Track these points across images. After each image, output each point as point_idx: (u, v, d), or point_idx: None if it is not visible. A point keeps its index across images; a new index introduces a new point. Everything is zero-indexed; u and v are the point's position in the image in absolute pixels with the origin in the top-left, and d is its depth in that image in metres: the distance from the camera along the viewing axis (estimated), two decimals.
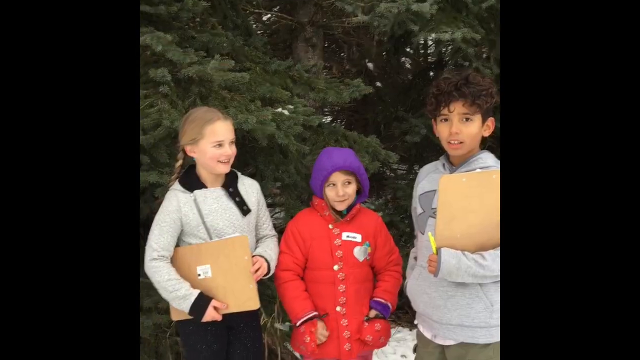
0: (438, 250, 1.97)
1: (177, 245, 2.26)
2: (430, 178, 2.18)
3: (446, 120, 2.04)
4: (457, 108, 2.00)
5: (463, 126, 2.00)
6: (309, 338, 2.30)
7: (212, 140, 2.19)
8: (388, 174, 5.01)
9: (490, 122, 2.05)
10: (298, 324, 2.33)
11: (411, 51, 4.84)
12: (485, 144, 3.67)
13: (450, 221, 1.96)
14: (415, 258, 2.30)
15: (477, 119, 2.00)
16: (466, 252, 1.97)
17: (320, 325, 2.33)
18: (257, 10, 4.18)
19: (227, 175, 2.31)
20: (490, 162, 2.06)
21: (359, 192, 2.44)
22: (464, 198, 1.93)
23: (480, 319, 2.05)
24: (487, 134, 2.07)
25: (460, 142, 2.01)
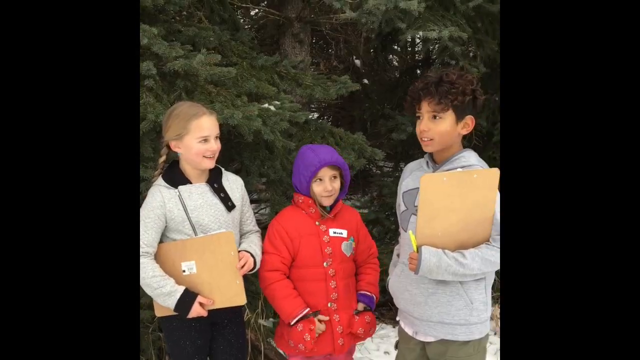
0: (419, 248, 1.99)
1: (161, 241, 2.23)
2: (414, 176, 2.20)
3: (419, 118, 2.07)
4: (425, 106, 2.03)
5: (432, 124, 2.02)
6: (309, 336, 2.30)
7: (198, 136, 2.16)
8: (374, 171, 5.03)
9: (470, 120, 2.05)
10: (293, 322, 2.32)
11: (398, 49, 4.86)
12: (471, 142, 3.72)
13: (432, 219, 1.97)
14: (398, 255, 2.31)
15: (448, 117, 2.01)
16: (446, 251, 1.99)
17: (317, 320, 2.33)
18: (244, 5, 4.15)
19: (211, 170, 2.29)
20: (472, 161, 2.08)
21: (340, 187, 2.44)
22: (445, 197, 1.94)
23: (460, 316, 2.07)
24: (464, 132, 2.07)
25: (430, 139, 2.04)
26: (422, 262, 1.97)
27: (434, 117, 2.02)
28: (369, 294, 2.44)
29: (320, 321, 2.34)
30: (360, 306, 2.43)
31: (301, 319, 2.31)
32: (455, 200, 1.94)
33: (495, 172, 1.92)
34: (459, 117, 2.02)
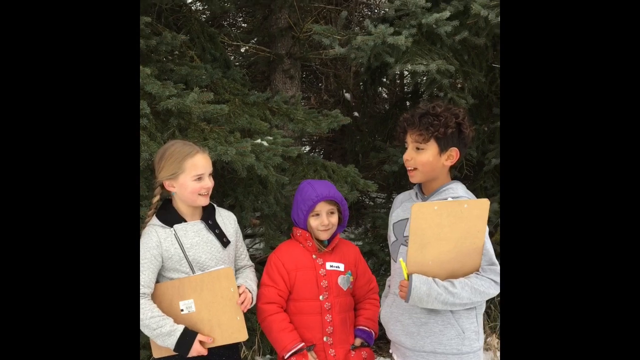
0: (409, 276, 2.00)
1: (157, 281, 2.22)
2: (404, 207, 2.23)
3: (406, 148, 2.13)
4: (409, 137, 2.10)
5: (415, 154, 2.08)
6: None
7: (193, 174, 2.17)
8: (367, 202, 5.05)
9: (454, 152, 2.09)
10: (287, 356, 2.31)
11: (387, 82, 4.93)
12: (462, 172, 3.77)
13: (422, 248, 1.98)
14: (389, 286, 2.32)
15: (430, 147, 2.06)
16: (437, 279, 2.01)
17: (310, 355, 2.32)
18: (235, 43, 4.22)
19: (204, 207, 2.29)
20: (460, 193, 2.12)
21: (338, 222, 2.46)
22: (436, 226, 1.96)
23: (452, 345, 2.07)
24: (449, 163, 2.11)
25: (414, 169, 2.09)
26: (412, 289, 1.98)
27: (417, 148, 2.07)
28: (367, 329, 2.43)
29: (314, 358, 2.32)
30: (358, 341, 2.41)
31: (295, 353, 2.30)
32: (445, 229, 1.96)
33: (485, 203, 1.95)
34: (442, 148, 2.06)
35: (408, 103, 5.04)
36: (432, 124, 2.03)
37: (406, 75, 5.52)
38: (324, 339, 2.35)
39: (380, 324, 2.48)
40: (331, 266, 2.40)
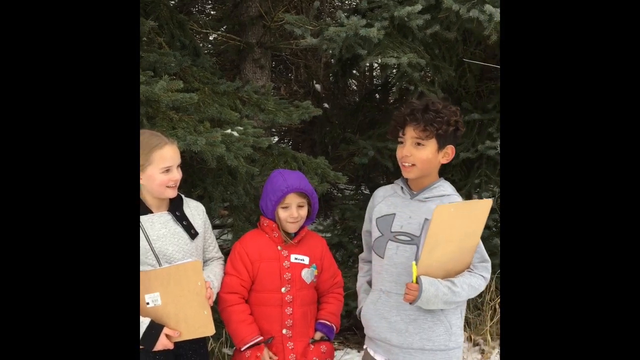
0: (418, 278, 1.98)
1: None
2: (388, 202, 2.20)
3: (402, 143, 2.09)
4: (409, 132, 2.05)
5: (415, 150, 2.05)
6: None
7: (161, 166, 2.13)
8: (336, 194, 5.06)
9: (450, 150, 2.09)
10: (243, 348, 2.30)
11: (357, 74, 4.94)
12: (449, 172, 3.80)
13: (432, 250, 1.97)
14: (369, 282, 2.30)
15: (430, 144, 2.04)
16: (439, 279, 2.01)
17: (266, 350, 2.31)
18: (204, 31, 4.15)
19: (171, 199, 2.25)
20: (449, 191, 2.13)
21: (307, 215, 2.44)
22: (448, 228, 1.95)
23: (440, 342, 2.08)
24: (444, 161, 2.11)
25: (412, 165, 2.06)
26: (422, 292, 1.96)
27: (417, 143, 2.04)
28: (328, 323, 2.43)
29: (269, 354, 2.31)
30: (317, 335, 2.40)
31: (252, 346, 2.29)
32: (453, 230, 1.96)
33: (489, 203, 1.96)
34: (441, 145, 2.06)
35: (377, 95, 5.06)
36: (435, 120, 2.01)
37: (375, 68, 5.54)
38: (283, 331, 2.34)
39: (346, 316, 2.48)
40: (296, 259, 2.39)
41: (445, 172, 3.71)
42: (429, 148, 2.05)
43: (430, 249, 1.96)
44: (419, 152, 2.05)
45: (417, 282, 1.98)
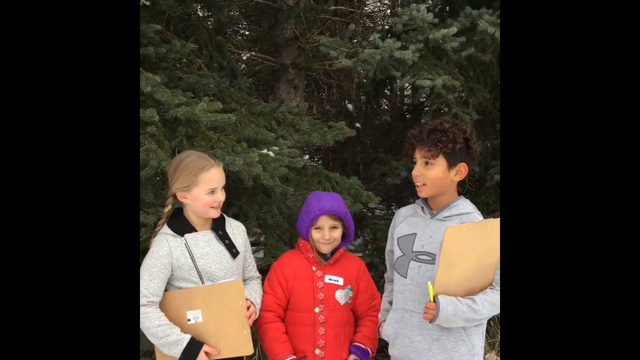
0: (435, 297, 2.00)
1: (165, 289, 2.22)
2: (409, 221, 2.23)
3: (414, 163, 2.15)
4: (419, 153, 2.12)
5: (424, 169, 2.10)
6: None
7: (207, 188, 2.18)
8: (366, 213, 5.05)
9: (463, 168, 2.12)
10: None
11: (390, 94, 4.95)
12: (464, 188, 3.79)
13: (449, 269, 2.00)
14: (390, 302, 2.31)
15: (439, 163, 2.08)
16: (459, 298, 2.02)
17: None
18: (240, 52, 4.24)
19: (214, 218, 2.30)
20: (469, 209, 2.16)
21: (343, 236, 2.46)
22: (463, 247, 1.98)
23: None
24: (458, 178, 2.14)
25: (423, 184, 2.11)
26: (440, 311, 1.98)
27: (426, 163, 2.09)
28: (362, 346, 2.43)
29: None
30: (351, 358, 2.40)
31: None
32: (469, 249, 1.99)
33: (497, 221, 1.96)
34: (451, 164, 2.09)
35: (408, 115, 5.07)
36: (440, 140, 2.05)
37: (407, 87, 5.55)
38: (316, 351, 2.36)
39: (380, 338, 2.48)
40: (330, 279, 2.41)
41: (479, 194, 3.69)
42: (438, 167, 2.09)
43: (447, 268, 1.98)
44: (429, 172, 2.09)
45: (434, 301, 1.99)
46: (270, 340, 2.35)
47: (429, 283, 2.02)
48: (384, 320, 2.28)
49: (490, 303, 2.04)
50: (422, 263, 2.12)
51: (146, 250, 2.25)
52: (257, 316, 2.31)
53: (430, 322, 2.03)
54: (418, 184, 2.13)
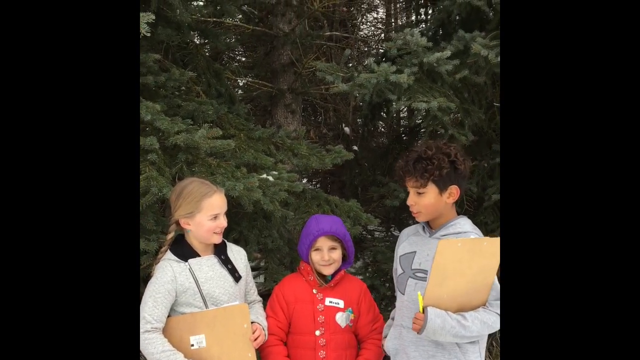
0: (425, 309, 2.03)
1: (168, 315, 2.22)
2: (410, 240, 2.28)
3: (408, 191, 2.20)
4: (409, 183, 2.17)
5: (417, 198, 2.15)
6: None
7: (210, 214, 2.20)
8: (366, 236, 5.06)
9: (454, 190, 2.15)
10: None
11: (387, 117, 5.00)
12: (462, 208, 3.81)
13: (441, 283, 2.02)
14: (393, 318, 2.33)
15: (430, 190, 2.12)
16: (449, 312, 2.04)
17: None
18: (237, 78, 4.30)
19: (216, 243, 2.32)
20: (467, 228, 2.18)
21: (344, 258, 2.47)
22: (457, 262, 2.00)
23: None
24: (451, 200, 2.17)
25: (418, 212, 2.17)
26: (427, 322, 2.00)
27: (418, 192, 2.14)
28: None
29: None
30: None
31: None
32: (464, 265, 2.01)
33: (497, 241, 1.98)
34: (442, 188, 2.13)
35: (405, 137, 5.12)
36: (426, 170, 2.09)
37: (403, 110, 5.61)
38: None
39: (386, 356, 2.47)
40: (330, 302, 2.41)
41: (477, 214, 3.71)
42: (430, 194, 2.13)
43: (439, 281, 2.01)
44: (421, 200, 2.14)
45: (423, 312, 2.02)
46: None
47: (419, 293, 2.05)
48: (386, 336, 2.31)
49: (480, 321, 2.05)
50: (418, 280, 2.16)
51: (147, 277, 2.25)
52: (266, 338, 2.31)
53: (418, 333, 2.05)
54: (413, 211, 2.19)
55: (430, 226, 2.23)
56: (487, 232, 3.64)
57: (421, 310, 2.03)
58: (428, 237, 2.20)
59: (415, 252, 2.21)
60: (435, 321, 2.00)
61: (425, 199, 2.13)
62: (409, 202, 2.18)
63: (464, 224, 2.20)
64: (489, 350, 3.70)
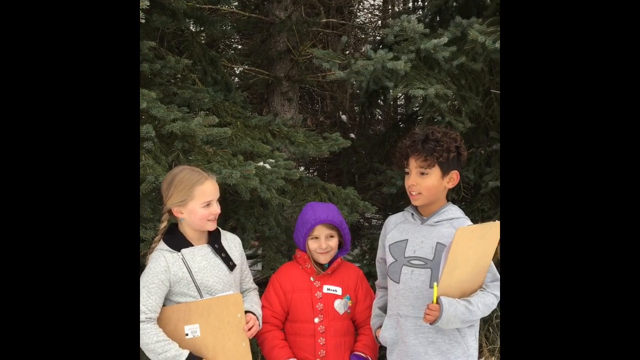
0: (438, 299, 2.02)
1: (163, 305, 2.22)
2: (400, 228, 2.27)
3: (407, 173, 2.18)
4: (413, 162, 2.15)
5: (420, 179, 2.13)
6: None
7: (202, 201, 2.19)
8: (363, 223, 5.07)
9: (455, 175, 2.17)
10: None
11: (383, 104, 4.99)
12: (460, 195, 3.82)
13: (452, 271, 2.02)
14: (380, 308, 2.34)
15: (434, 172, 2.12)
16: (457, 299, 2.05)
17: None
18: (234, 66, 4.27)
19: (210, 231, 2.31)
20: (459, 214, 2.21)
21: (340, 246, 2.48)
22: (467, 249, 2.01)
23: None
24: (450, 186, 2.18)
25: (419, 193, 2.14)
26: (443, 312, 2.00)
27: (422, 173, 2.12)
28: (363, 355, 2.43)
29: None
30: None
31: None
32: (471, 251, 2.02)
33: (498, 225, 2.00)
34: (445, 172, 2.13)
35: (402, 125, 5.11)
36: (435, 150, 2.09)
37: (400, 97, 5.60)
38: None
39: (382, 346, 2.49)
40: (328, 289, 2.43)
41: (474, 201, 3.72)
42: (433, 176, 2.12)
43: (451, 270, 2.01)
44: (424, 181, 2.13)
45: (437, 303, 2.01)
46: (269, 348, 2.37)
47: (435, 284, 2.03)
48: (379, 327, 2.30)
49: (483, 304, 2.09)
50: (414, 268, 2.16)
51: (143, 266, 2.25)
52: (260, 327, 2.32)
53: (431, 324, 2.04)
54: (413, 192, 2.16)
55: (420, 213, 2.22)
56: (484, 219, 3.65)
57: (435, 300, 2.02)
58: (420, 224, 2.20)
59: (407, 239, 2.20)
60: (449, 310, 2.00)
61: (428, 181, 2.12)
62: (411, 182, 2.15)
63: (455, 210, 2.22)
64: (485, 336, 3.72)
